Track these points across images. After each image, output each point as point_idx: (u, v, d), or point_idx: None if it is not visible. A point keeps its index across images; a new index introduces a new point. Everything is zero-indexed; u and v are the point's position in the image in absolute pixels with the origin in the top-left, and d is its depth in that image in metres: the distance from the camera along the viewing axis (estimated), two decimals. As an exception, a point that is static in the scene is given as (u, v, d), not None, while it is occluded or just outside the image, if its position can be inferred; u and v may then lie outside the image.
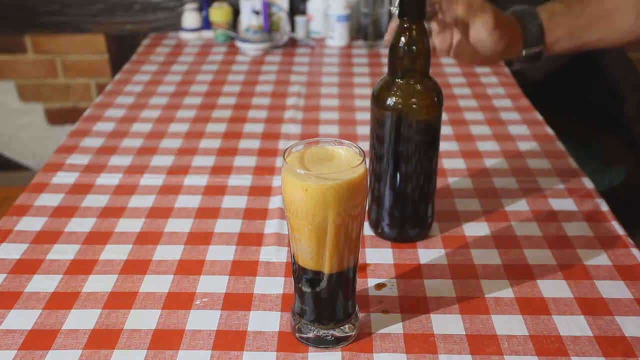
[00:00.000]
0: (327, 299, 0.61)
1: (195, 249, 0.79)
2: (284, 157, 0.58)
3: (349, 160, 0.58)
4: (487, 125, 1.13)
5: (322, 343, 0.63)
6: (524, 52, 0.78)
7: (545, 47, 0.78)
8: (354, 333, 0.64)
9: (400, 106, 0.72)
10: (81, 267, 0.75)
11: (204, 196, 0.91)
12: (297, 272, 0.61)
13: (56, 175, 0.96)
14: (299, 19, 1.63)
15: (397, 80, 0.72)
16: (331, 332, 0.63)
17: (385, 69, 0.78)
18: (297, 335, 0.64)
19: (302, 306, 0.63)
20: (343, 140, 0.60)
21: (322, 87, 1.33)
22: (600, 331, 0.65)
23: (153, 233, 0.82)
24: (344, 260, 0.59)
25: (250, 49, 1.55)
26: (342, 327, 0.63)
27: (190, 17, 1.67)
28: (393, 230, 0.79)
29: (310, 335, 0.63)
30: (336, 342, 0.63)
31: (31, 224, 0.84)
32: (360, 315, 0.67)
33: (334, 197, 0.55)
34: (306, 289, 0.61)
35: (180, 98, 1.28)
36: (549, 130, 1.10)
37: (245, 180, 0.95)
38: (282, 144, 1.07)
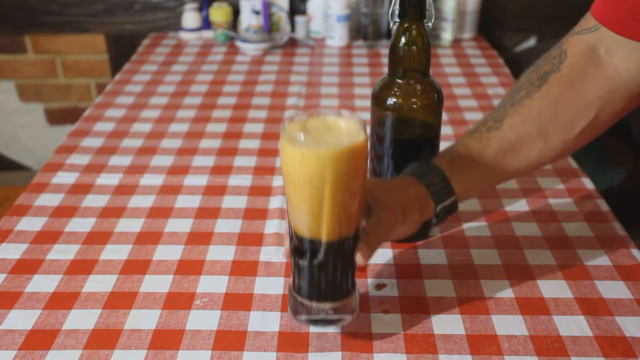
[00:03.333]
0: (325, 272, 0.59)
1: (195, 249, 0.79)
2: (282, 124, 0.56)
3: (349, 129, 0.57)
4: (487, 125, 1.13)
5: (319, 322, 0.62)
6: (437, 210, 0.67)
7: (458, 196, 0.68)
8: (352, 312, 0.62)
9: (400, 106, 0.72)
10: (81, 267, 0.75)
11: (204, 196, 0.91)
12: (294, 243, 0.60)
13: (56, 175, 0.96)
14: (299, 19, 1.63)
15: (397, 80, 0.72)
16: (329, 308, 0.61)
17: (385, 69, 0.78)
18: (294, 315, 0.63)
19: (300, 282, 0.61)
20: (344, 111, 0.59)
21: (322, 87, 1.33)
22: (600, 331, 0.65)
23: (153, 233, 0.82)
24: (343, 230, 0.58)
25: (250, 49, 1.55)
26: (340, 306, 0.61)
27: (190, 17, 1.67)
28: (393, 230, 0.79)
29: (308, 314, 0.61)
30: (334, 321, 0.62)
31: (31, 224, 0.84)
32: (360, 315, 0.67)
33: (331, 163, 0.53)
34: (304, 262, 0.59)
35: (180, 98, 1.28)
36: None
37: (245, 180, 0.95)
38: (282, 144, 1.07)
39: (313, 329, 0.63)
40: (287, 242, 0.61)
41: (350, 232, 0.59)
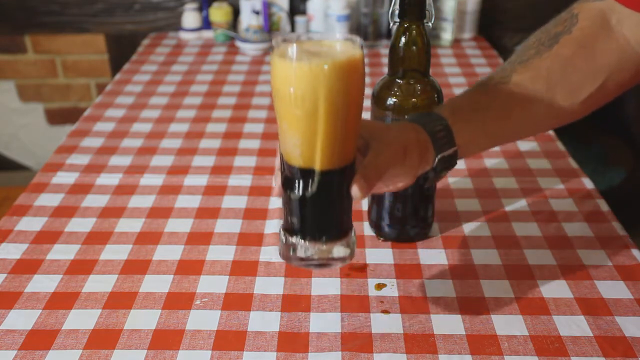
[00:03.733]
0: (318, 206, 0.56)
1: (195, 249, 0.79)
2: (273, 42, 0.54)
3: (344, 47, 0.53)
4: (487, 125, 1.13)
5: (313, 264, 0.58)
6: (436, 160, 0.63)
7: (459, 149, 0.64)
8: (348, 255, 0.58)
9: (400, 106, 0.72)
10: (81, 267, 0.75)
11: (204, 196, 0.91)
12: (286, 175, 0.56)
13: (56, 175, 0.96)
14: (299, 19, 1.63)
15: (397, 80, 0.72)
16: (323, 248, 0.57)
17: (385, 69, 0.78)
18: (286, 258, 0.59)
19: (291, 219, 0.57)
20: (339, 34, 0.55)
21: (322, 87, 1.33)
22: (600, 331, 0.65)
23: (153, 233, 0.82)
24: (338, 158, 0.54)
25: (250, 49, 1.55)
26: (335, 246, 0.57)
27: (190, 17, 1.67)
28: (393, 230, 0.79)
29: (300, 255, 0.57)
30: (329, 262, 0.58)
31: (31, 224, 0.84)
32: (360, 315, 0.67)
33: (325, 77, 0.50)
34: (295, 195, 0.55)
35: (180, 98, 1.28)
36: (549, 131, 1.10)
37: (245, 180, 0.95)
38: (282, 144, 1.07)
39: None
40: (278, 179, 0.57)
41: (345, 161, 0.55)
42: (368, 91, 1.34)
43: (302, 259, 0.58)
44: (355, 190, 0.55)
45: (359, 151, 0.57)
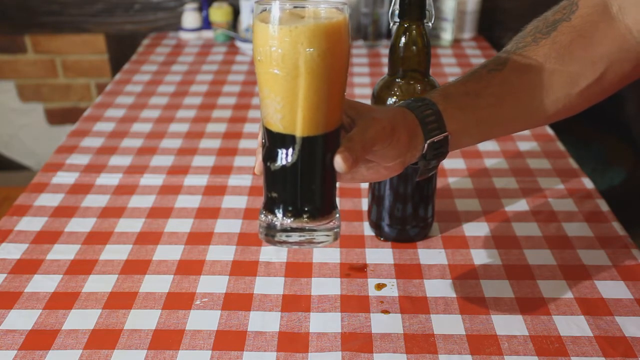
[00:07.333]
0: (300, 178, 0.54)
1: (195, 249, 0.79)
2: (255, 5, 0.53)
3: (328, 12, 0.53)
4: (487, 125, 1.13)
5: (294, 242, 0.56)
6: (425, 146, 0.59)
7: (450, 136, 0.61)
8: (331, 237, 0.56)
9: (400, 106, 0.72)
10: (81, 267, 0.75)
11: (204, 196, 0.91)
12: (266, 146, 0.54)
13: (56, 175, 0.96)
14: (299, 19, 1.63)
15: (397, 80, 0.72)
16: (306, 226, 0.55)
17: (385, 69, 0.78)
18: (266, 238, 0.57)
19: (272, 195, 0.55)
20: (324, 4, 0.54)
21: (322, 87, 1.33)
22: (600, 331, 0.65)
23: (153, 233, 0.82)
24: (320, 124, 0.52)
25: (250, 49, 1.55)
26: (318, 225, 0.56)
27: (190, 17, 1.67)
28: (393, 230, 0.79)
29: (280, 234, 0.56)
30: (310, 241, 0.56)
31: (31, 224, 0.84)
32: (360, 315, 0.67)
33: (307, 39, 0.49)
34: (275, 165, 0.54)
35: (180, 98, 1.28)
36: (549, 130, 1.10)
37: (245, 180, 0.95)
38: (282, 144, 1.07)
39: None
40: (258, 156, 0.56)
41: (328, 127, 0.53)
42: (367, 90, 1.33)
43: (282, 238, 0.56)
44: (338, 162, 0.52)
45: (343, 129, 0.56)
